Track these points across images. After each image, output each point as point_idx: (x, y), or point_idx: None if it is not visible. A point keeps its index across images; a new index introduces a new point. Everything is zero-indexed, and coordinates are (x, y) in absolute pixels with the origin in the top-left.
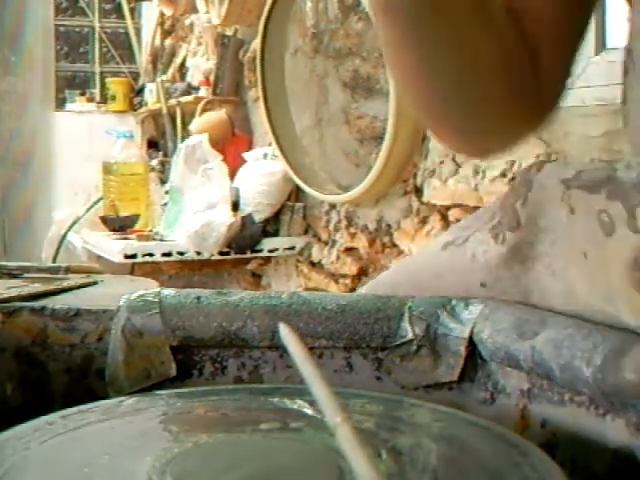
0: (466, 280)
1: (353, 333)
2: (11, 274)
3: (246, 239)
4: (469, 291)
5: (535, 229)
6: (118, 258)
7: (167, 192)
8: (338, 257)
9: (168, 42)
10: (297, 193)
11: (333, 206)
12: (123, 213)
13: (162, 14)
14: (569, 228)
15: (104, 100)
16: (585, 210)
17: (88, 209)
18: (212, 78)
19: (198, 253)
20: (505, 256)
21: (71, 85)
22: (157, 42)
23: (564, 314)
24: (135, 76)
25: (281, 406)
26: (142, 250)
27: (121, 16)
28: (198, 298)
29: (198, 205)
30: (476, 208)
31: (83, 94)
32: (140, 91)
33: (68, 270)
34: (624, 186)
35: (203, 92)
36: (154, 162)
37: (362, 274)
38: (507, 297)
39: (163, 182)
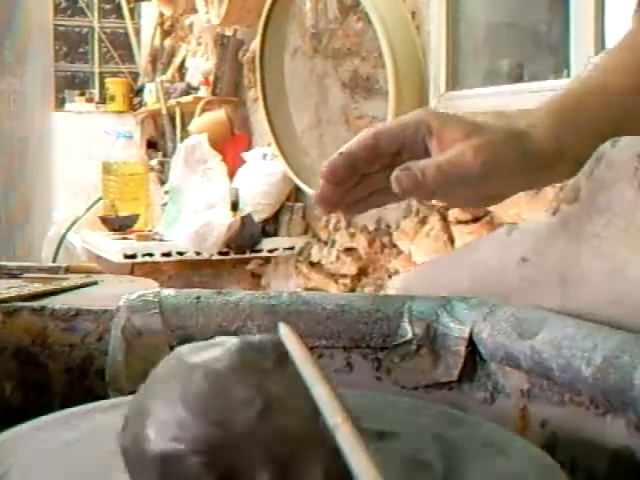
0: (505, 254)
1: (353, 333)
2: (11, 274)
3: (246, 239)
4: (504, 266)
5: (591, 208)
6: (118, 258)
7: (167, 192)
8: (338, 257)
9: (168, 42)
10: (297, 193)
11: None
12: (123, 213)
13: (162, 14)
14: (633, 204)
15: (103, 100)
16: None
17: (88, 209)
18: (212, 78)
19: (198, 253)
20: (553, 227)
21: (70, 85)
22: (157, 42)
23: (578, 314)
24: (135, 76)
25: None
26: (142, 250)
27: (121, 16)
28: (198, 298)
29: (198, 205)
30: (475, 208)
31: (82, 94)
32: (140, 91)
33: (68, 270)
34: None
35: (203, 92)
36: (154, 162)
37: (362, 274)
38: (544, 277)
39: (163, 182)
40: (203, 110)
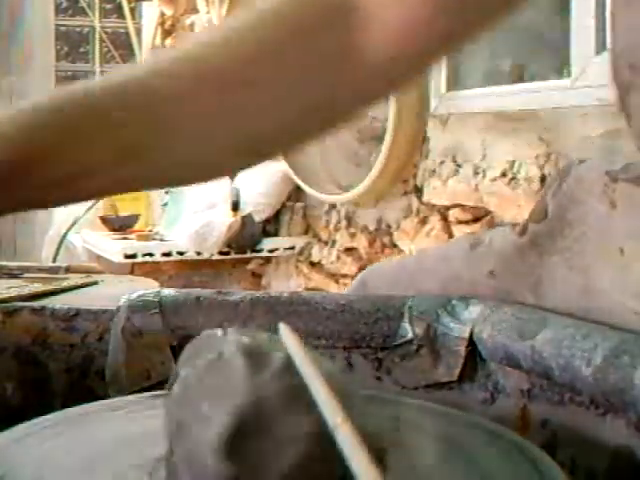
0: (474, 266)
1: (353, 333)
2: (11, 274)
3: (246, 239)
4: (475, 279)
5: (562, 222)
6: (118, 258)
7: (167, 192)
8: (338, 257)
9: (169, 42)
10: (297, 193)
11: (333, 206)
12: (123, 213)
13: (162, 14)
14: (607, 223)
15: None
16: (629, 204)
17: (88, 209)
18: None
19: (198, 253)
20: (523, 246)
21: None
22: (158, 42)
23: (566, 313)
24: None
25: None
26: (142, 250)
27: (121, 16)
28: (198, 298)
29: (198, 205)
30: (476, 208)
31: None
32: None
33: (68, 270)
34: None
35: None
36: None
37: None
38: (515, 287)
39: None
40: None
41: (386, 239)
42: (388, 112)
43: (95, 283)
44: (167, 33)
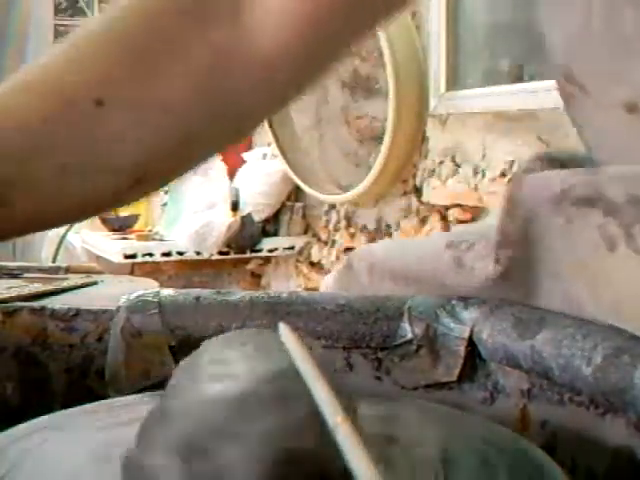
0: (462, 283)
1: (353, 333)
2: (11, 274)
3: (246, 239)
4: (466, 293)
5: (525, 243)
6: (118, 258)
7: (167, 192)
8: (338, 257)
9: None
10: (297, 193)
11: (333, 206)
12: (123, 213)
13: None
14: (566, 237)
15: None
16: (584, 222)
17: None
18: None
19: (198, 253)
20: (502, 273)
21: None
22: None
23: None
24: None
25: None
26: (142, 250)
27: None
28: (197, 298)
29: (198, 205)
30: (475, 208)
31: None
32: None
33: (68, 270)
34: (615, 204)
35: None
36: None
37: None
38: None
39: None
40: None
41: (386, 239)
42: (387, 112)
43: (95, 283)
44: None
